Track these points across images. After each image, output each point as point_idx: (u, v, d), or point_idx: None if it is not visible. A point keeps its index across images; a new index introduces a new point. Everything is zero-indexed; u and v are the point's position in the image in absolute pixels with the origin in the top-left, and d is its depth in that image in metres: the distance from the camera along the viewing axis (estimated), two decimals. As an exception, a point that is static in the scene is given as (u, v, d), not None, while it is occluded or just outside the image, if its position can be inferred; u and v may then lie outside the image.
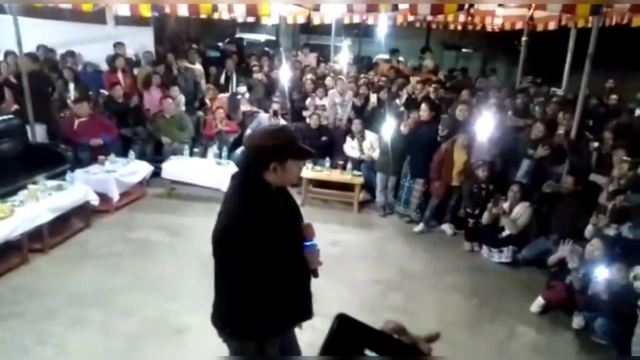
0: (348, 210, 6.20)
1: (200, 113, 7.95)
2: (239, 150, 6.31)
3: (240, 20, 9.69)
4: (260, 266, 1.77)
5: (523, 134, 5.76)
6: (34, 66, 6.76)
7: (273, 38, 15.41)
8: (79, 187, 5.06)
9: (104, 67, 8.33)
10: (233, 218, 1.83)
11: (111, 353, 3.29)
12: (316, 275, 2.03)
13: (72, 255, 4.64)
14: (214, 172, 5.93)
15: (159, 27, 10.33)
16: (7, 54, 7.02)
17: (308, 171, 6.25)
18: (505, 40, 12.59)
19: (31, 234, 4.40)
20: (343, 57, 9.67)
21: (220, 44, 13.30)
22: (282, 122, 7.24)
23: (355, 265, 4.83)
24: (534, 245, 4.93)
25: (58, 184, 4.95)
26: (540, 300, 4.15)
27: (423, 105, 5.75)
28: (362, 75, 8.94)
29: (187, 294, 3.88)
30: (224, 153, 6.38)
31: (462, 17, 9.03)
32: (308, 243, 1.93)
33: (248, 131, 6.33)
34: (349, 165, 6.30)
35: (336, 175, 6.27)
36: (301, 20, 9.85)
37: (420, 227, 5.72)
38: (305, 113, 7.41)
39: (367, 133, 6.48)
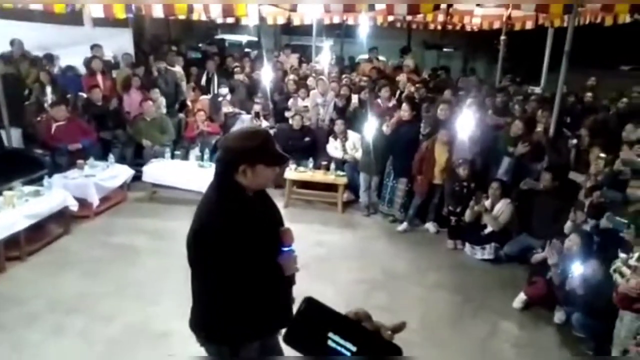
0: (332, 211, 6.21)
1: (181, 115, 7.87)
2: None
3: (219, 21, 9.63)
4: (235, 269, 1.75)
5: (503, 132, 5.84)
6: (7, 69, 6.61)
7: (255, 39, 15.34)
8: (57, 192, 4.96)
9: (82, 69, 8.18)
10: (207, 220, 1.81)
11: (92, 360, 3.24)
12: (293, 282, 2.00)
13: (51, 262, 4.55)
14: (196, 174, 5.87)
15: (138, 29, 10.20)
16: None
17: (291, 172, 6.23)
18: (485, 39, 12.77)
19: (7, 242, 4.30)
20: (324, 58, 9.65)
21: (201, 45, 13.19)
22: (265, 123, 7.22)
23: (340, 265, 4.84)
24: (516, 242, 4.99)
25: (35, 189, 4.84)
26: (522, 296, 4.21)
27: (404, 105, 5.79)
28: (344, 76, 8.94)
29: (169, 298, 3.84)
30: (206, 155, 6.32)
31: (441, 17, 9.11)
32: (286, 248, 1.88)
33: (230, 133, 6.28)
34: (332, 166, 6.30)
35: (319, 176, 6.26)
36: (281, 20, 9.83)
37: (403, 226, 5.75)
38: (287, 114, 7.39)
39: (350, 133, 6.49)
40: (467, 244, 5.26)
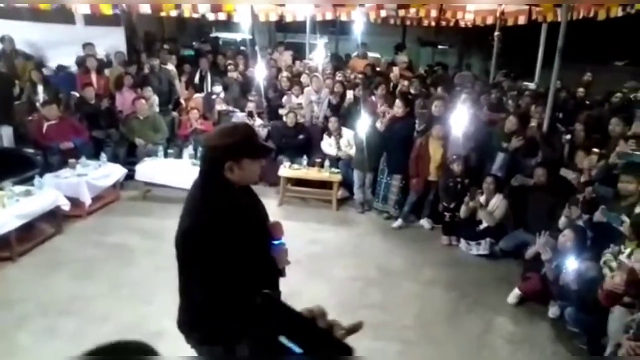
0: (326, 208, 6.19)
1: (174, 114, 7.82)
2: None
3: (211, 18, 9.56)
4: (225, 266, 1.72)
5: (497, 127, 5.83)
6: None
7: (250, 37, 15.24)
8: (48, 192, 4.92)
9: (74, 68, 8.11)
10: (195, 218, 1.78)
11: (84, 362, 3.20)
12: (283, 275, 1.99)
13: (42, 262, 4.50)
14: (190, 173, 5.82)
15: (130, 27, 10.12)
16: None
17: (286, 170, 6.21)
18: (480, 35, 12.75)
19: (-2, 242, 4.26)
20: (319, 55, 9.61)
21: (195, 43, 13.10)
22: (259, 121, 7.19)
23: (335, 262, 4.83)
24: (511, 237, 4.99)
25: (26, 189, 4.80)
26: (516, 292, 4.21)
27: (397, 101, 5.77)
28: (338, 73, 8.91)
29: (163, 297, 3.79)
30: (200, 153, 6.27)
31: (434, 13, 9.08)
32: (276, 242, 1.89)
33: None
34: (327, 163, 6.28)
35: (314, 173, 6.24)
36: (274, 17, 9.78)
37: (398, 222, 5.74)
38: (281, 111, 7.36)
39: (344, 130, 6.47)
40: (462, 240, 5.26)
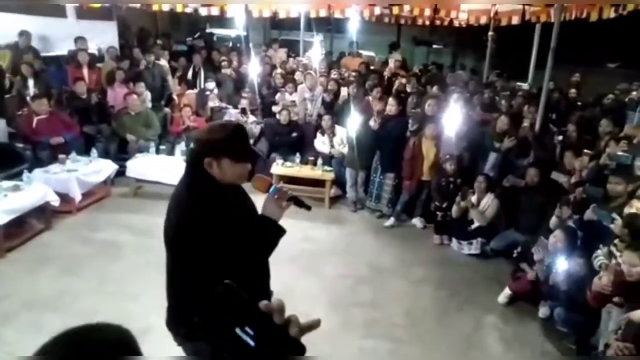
0: (319, 206, 6.15)
1: (167, 110, 7.77)
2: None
3: (204, 13, 9.48)
4: (210, 262, 1.69)
5: (490, 127, 5.84)
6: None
7: (244, 33, 15.16)
8: (37, 187, 4.86)
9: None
10: (182, 213, 1.76)
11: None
12: (302, 204, 2.05)
13: (30, 258, 4.45)
14: (182, 170, 5.77)
15: (123, 22, 10.03)
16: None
17: (278, 167, 6.19)
18: (474, 35, 12.77)
19: (-15, 237, 4.20)
20: (314, 53, 9.57)
21: (188, 39, 13.02)
22: (252, 118, 7.15)
23: (326, 260, 4.81)
24: (502, 237, 5.00)
25: (14, 184, 4.74)
26: (507, 291, 4.22)
27: (391, 99, 5.76)
28: (332, 71, 8.89)
29: (151, 294, 3.75)
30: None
31: (428, 12, 9.07)
32: (271, 190, 1.91)
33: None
34: (320, 161, 6.27)
35: (307, 171, 6.22)
36: (267, 13, 9.72)
37: (390, 221, 5.74)
38: (275, 108, 7.33)
39: (338, 128, 6.45)
40: (453, 239, 5.27)
